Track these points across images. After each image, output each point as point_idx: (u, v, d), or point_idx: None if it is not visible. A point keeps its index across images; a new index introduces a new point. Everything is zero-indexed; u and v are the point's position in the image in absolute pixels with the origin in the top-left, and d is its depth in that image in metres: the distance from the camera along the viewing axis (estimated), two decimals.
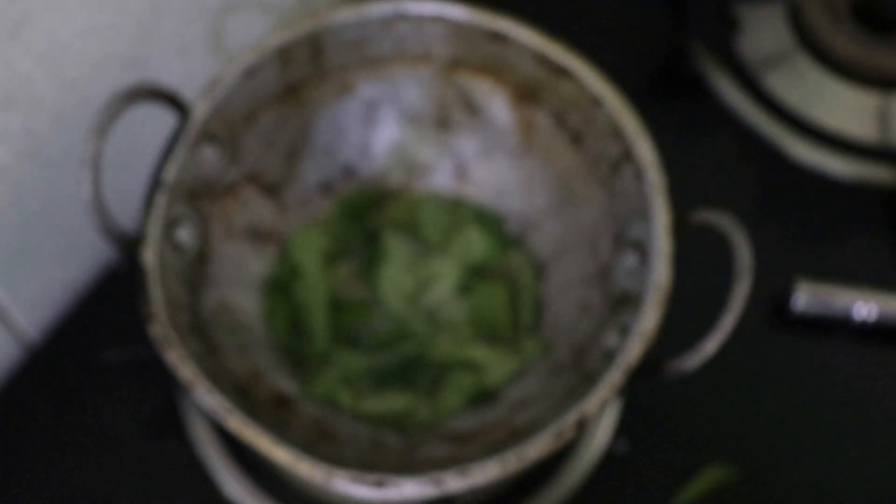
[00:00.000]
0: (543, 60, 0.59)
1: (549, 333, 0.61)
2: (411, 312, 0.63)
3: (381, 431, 0.58)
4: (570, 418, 0.49)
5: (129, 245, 0.54)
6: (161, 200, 0.55)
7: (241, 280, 0.62)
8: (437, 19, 0.59)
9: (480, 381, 0.60)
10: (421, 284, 0.64)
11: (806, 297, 0.69)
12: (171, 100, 0.55)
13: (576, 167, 0.61)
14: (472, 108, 0.64)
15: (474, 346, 0.62)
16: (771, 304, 0.71)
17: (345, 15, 0.59)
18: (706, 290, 0.71)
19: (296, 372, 0.61)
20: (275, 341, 0.61)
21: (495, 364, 0.61)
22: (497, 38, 0.59)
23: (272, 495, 0.63)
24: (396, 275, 0.64)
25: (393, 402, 0.60)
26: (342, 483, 0.47)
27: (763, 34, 0.83)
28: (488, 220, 0.65)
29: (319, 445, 0.53)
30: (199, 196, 0.58)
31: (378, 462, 0.53)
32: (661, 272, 0.52)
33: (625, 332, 0.53)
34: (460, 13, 0.59)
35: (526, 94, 0.62)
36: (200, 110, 0.56)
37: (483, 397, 0.60)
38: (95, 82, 0.62)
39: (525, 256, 0.64)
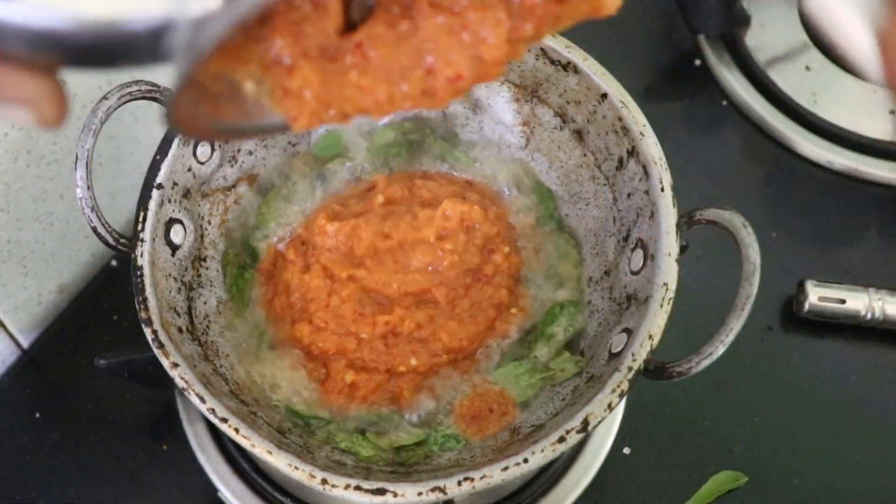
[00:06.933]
0: (548, 54, 0.58)
1: None
2: None
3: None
4: (575, 421, 0.48)
5: (122, 246, 0.53)
6: (155, 200, 0.54)
7: None
8: None
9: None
10: None
11: (815, 297, 0.68)
12: (165, 97, 0.55)
13: (579, 164, 0.60)
14: (475, 105, 0.63)
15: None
16: (779, 304, 0.70)
17: None
18: (713, 289, 0.70)
19: None
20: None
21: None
22: None
23: (270, 499, 0.62)
24: None
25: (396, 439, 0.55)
26: (340, 490, 0.46)
27: (773, 30, 0.82)
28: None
29: (318, 450, 0.52)
30: (195, 196, 0.57)
31: (378, 467, 0.52)
32: (667, 272, 0.51)
33: (630, 332, 0.51)
34: None
35: (529, 90, 0.61)
36: None
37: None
38: (88, 79, 0.61)
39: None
